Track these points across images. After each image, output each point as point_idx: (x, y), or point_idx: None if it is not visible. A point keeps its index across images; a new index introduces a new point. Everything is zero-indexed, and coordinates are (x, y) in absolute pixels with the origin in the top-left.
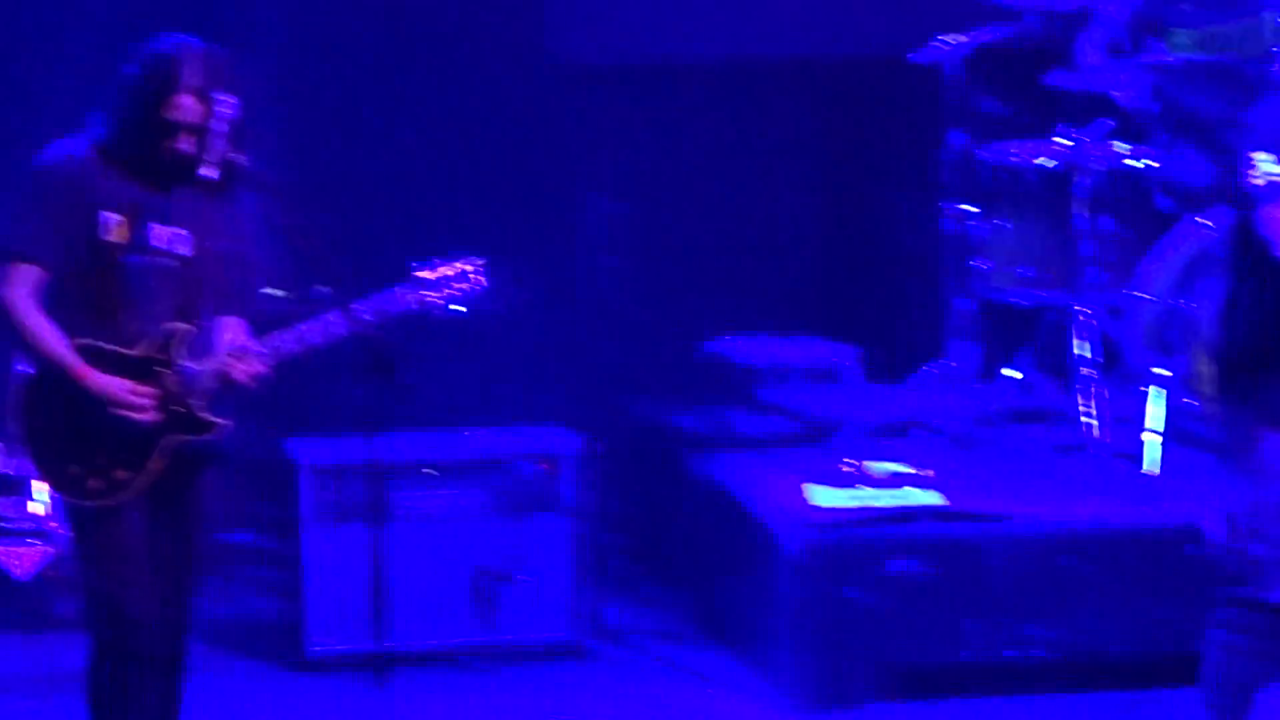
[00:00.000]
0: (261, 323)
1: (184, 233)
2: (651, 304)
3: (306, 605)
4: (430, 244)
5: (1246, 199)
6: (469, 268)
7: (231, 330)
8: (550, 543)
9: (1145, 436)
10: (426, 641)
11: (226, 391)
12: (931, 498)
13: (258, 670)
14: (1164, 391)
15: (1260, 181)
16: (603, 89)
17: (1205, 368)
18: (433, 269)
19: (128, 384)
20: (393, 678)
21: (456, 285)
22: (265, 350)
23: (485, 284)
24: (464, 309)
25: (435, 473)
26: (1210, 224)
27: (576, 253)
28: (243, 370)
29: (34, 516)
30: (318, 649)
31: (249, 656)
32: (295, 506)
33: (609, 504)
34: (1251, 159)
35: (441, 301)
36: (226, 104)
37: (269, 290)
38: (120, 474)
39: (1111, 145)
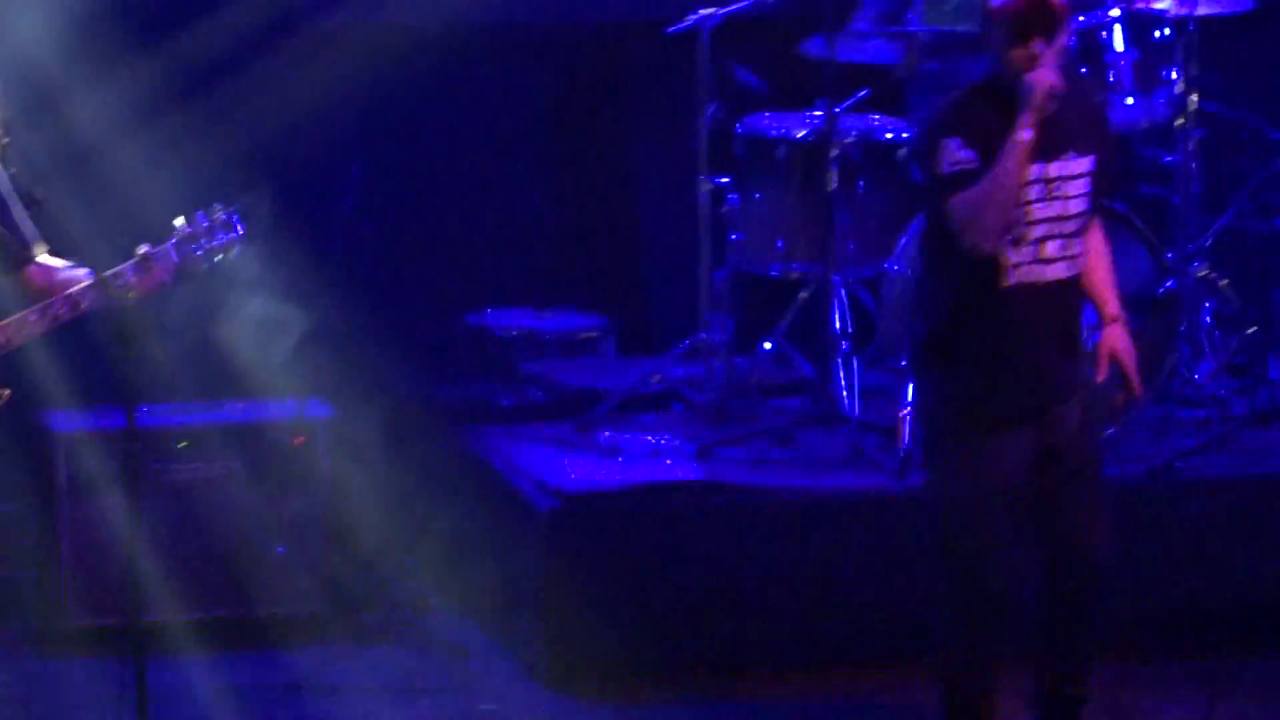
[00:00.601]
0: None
1: None
2: (411, 275)
3: (64, 577)
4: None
5: (937, 187)
6: (227, 217)
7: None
8: (306, 515)
9: (900, 410)
10: (184, 613)
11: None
12: (688, 470)
13: (16, 642)
14: None
15: (949, 170)
16: (358, 54)
17: None
18: (192, 223)
19: None
20: (151, 649)
21: (218, 237)
22: (39, 317)
23: (243, 232)
24: (225, 258)
25: (191, 444)
26: None
27: (333, 223)
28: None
29: None
30: (77, 621)
31: (6, 629)
32: (53, 477)
33: (365, 476)
34: (944, 145)
35: (204, 253)
36: None
37: (33, 256)
38: None
39: (867, 116)
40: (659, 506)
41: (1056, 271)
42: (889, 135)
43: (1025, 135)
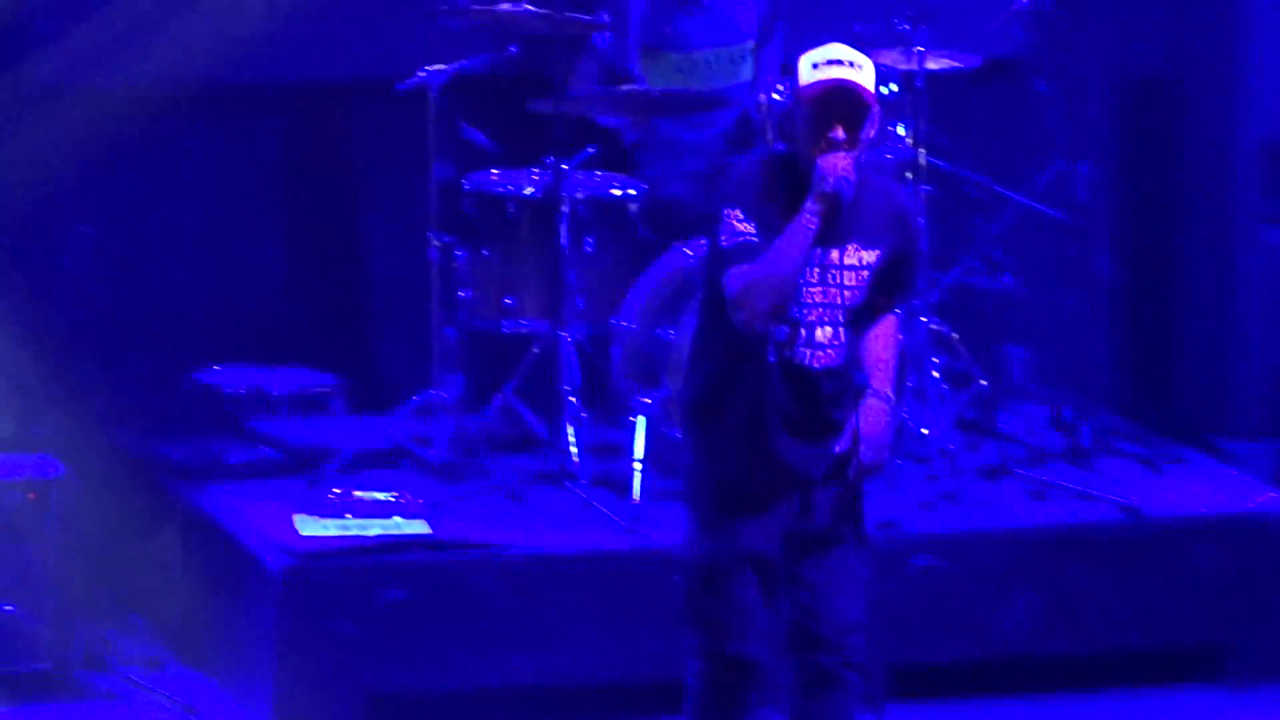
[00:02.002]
0: None
1: None
2: (138, 332)
3: None
4: None
5: (720, 256)
6: None
7: None
8: (35, 572)
9: (632, 465)
10: None
11: None
12: (419, 527)
13: None
14: (647, 420)
15: (728, 242)
16: (82, 114)
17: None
18: None
19: None
20: None
21: None
22: None
23: None
24: None
25: None
26: (691, 253)
27: (59, 280)
28: None
29: None
30: None
31: None
32: None
33: (95, 533)
34: (727, 215)
35: None
36: None
37: None
38: None
39: (594, 174)
40: (389, 564)
41: (823, 359)
42: (617, 192)
43: (811, 222)
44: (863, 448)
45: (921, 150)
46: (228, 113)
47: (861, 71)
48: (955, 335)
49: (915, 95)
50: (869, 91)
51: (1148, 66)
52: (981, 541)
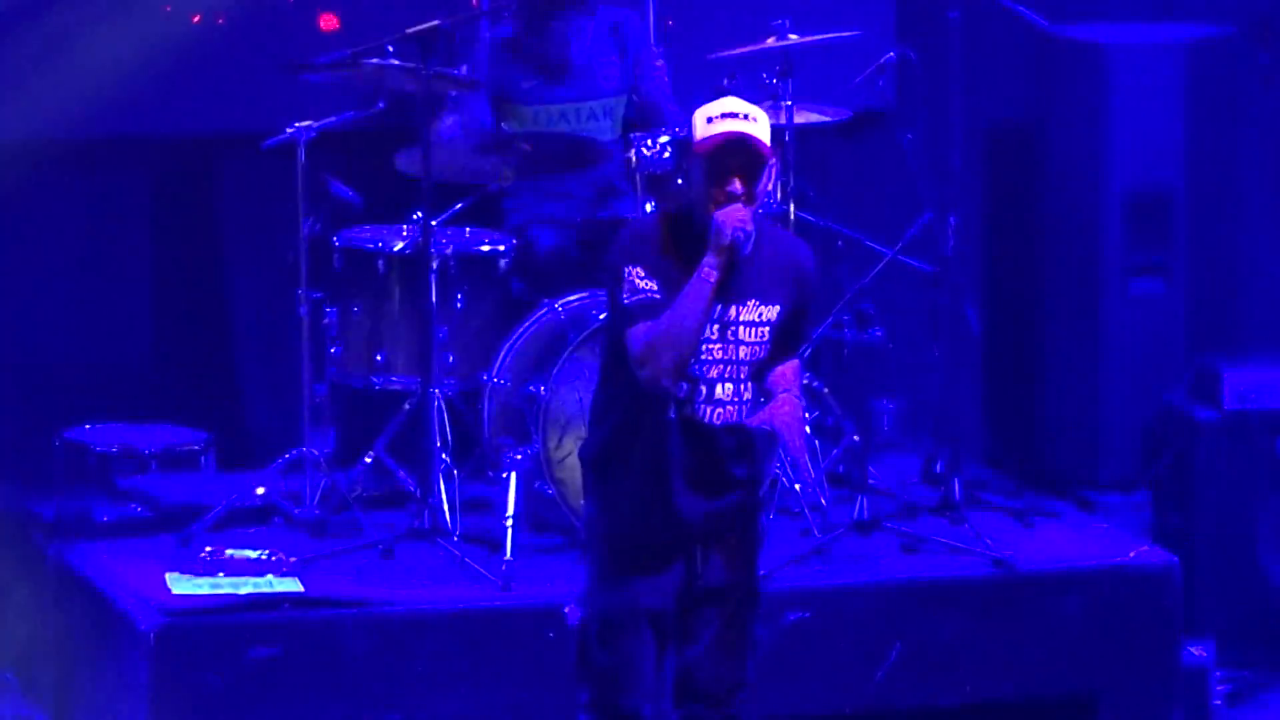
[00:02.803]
0: None
1: None
2: (6, 389)
3: None
4: None
5: (623, 314)
6: None
7: None
8: None
9: (504, 521)
10: None
11: None
12: (291, 585)
13: None
14: (518, 475)
15: (630, 300)
16: None
17: (558, 453)
18: None
19: None
20: None
21: None
22: None
23: None
24: None
25: None
26: (561, 309)
27: None
28: None
29: None
30: None
31: None
32: None
33: None
34: (628, 273)
35: None
36: None
37: None
38: None
39: (464, 229)
40: (261, 621)
41: (723, 415)
42: (487, 247)
43: (710, 275)
44: (781, 437)
45: (790, 204)
46: (94, 168)
47: (756, 124)
48: (825, 389)
49: (783, 150)
50: (764, 144)
51: (1012, 118)
52: (853, 595)
